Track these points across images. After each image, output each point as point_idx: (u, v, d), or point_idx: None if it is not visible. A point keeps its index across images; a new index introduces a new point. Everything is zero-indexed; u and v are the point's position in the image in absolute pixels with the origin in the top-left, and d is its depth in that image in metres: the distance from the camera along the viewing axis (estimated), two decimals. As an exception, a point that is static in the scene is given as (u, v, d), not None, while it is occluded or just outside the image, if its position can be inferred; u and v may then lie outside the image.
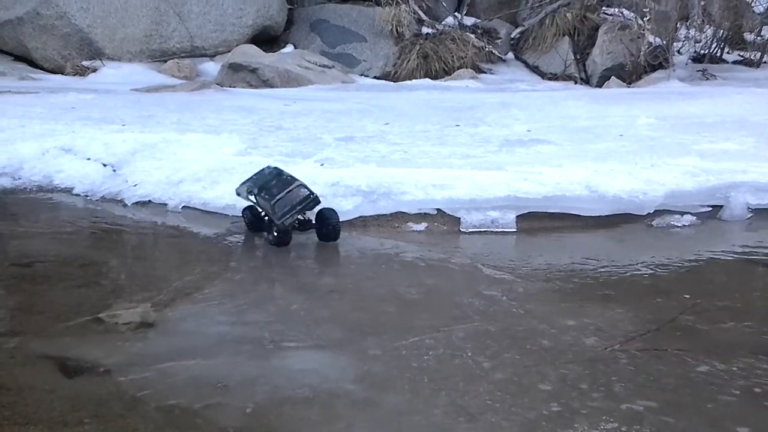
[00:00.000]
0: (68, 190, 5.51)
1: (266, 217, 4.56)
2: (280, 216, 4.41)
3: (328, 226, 4.57)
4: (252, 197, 4.57)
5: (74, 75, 11.15)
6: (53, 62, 11.39)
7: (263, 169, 4.69)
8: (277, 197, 4.43)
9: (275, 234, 4.44)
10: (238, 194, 4.70)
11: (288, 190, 4.47)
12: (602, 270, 4.16)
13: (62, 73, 11.22)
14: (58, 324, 3.40)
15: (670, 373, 2.96)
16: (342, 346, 3.22)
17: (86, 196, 5.41)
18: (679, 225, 4.93)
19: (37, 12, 11.23)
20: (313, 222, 4.58)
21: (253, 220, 4.70)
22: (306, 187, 4.52)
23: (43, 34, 11.30)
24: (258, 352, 3.15)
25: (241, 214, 4.76)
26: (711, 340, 3.29)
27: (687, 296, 3.78)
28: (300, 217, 4.52)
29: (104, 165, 5.74)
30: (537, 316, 3.51)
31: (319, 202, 4.53)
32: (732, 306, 3.72)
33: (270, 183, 4.53)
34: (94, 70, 11.22)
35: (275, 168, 4.67)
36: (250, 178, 4.67)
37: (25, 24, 11.28)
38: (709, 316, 3.53)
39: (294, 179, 4.54)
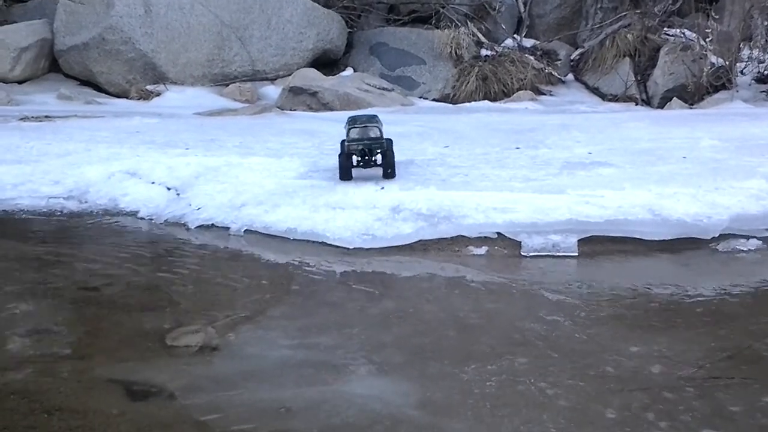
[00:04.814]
0: (133, 214, 5.59)
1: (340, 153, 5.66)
2: (349, 140, 5.53)
3: (386, 168, 5.61)
4: (345, 126, 5.67)
5: (138, 99, 11.34)
6: (118, 86, 11.61)
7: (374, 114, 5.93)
8: (354, 125, 5.56)
9: (345, 157, 5.58)
10: (345, 126, 5.73)
11: (365, 125, 5.57)
12: (667, 295, 4.10)
13: (127, 98, 11.42)
14: (124, 348, 3.46)
15: (738, 402, 2.91)
16: (403, 371, 3.22)
17: (150, 219, 5.48)
18: (745, 249, 4.84)
19: (103, 37, 11.46)
20: (378, 162, 5.59)
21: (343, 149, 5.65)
22: (381, 131, 5.56)
23: (108, 59, 11.52)
24: (320, 376, 3.17)
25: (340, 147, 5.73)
26: (780, 369, 3.23)
27: (754, 323, 3.72)
28: (366, 157, 5.55)
29: (168, 188, 5.82)
30: (600, 343, 3.48)
31: (384, 148, 5.55)
32: (801, 333, 3.65)
33: (361, 117, 5.73)
34: (158, 94, 11.40)
35: (376, 115, 5.82)
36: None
37: (91, 49, 11.52)
38: (778, 344, 3.47)
39: (377, 122, 5.61)
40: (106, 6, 11.53)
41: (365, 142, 5.53)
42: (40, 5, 12.77)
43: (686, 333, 3.59)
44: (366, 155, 5.56)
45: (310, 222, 5.04)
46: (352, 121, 5.63)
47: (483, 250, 4.84)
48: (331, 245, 4.85)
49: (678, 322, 3.73)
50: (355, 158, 5.57)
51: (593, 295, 4.13)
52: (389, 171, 5.62)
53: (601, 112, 10.42)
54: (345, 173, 5.62)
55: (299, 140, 7.47)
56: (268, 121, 9.15)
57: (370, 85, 11.25)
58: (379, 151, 5.56)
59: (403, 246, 4.80)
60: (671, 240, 4.84)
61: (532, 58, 12.05)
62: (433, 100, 11.80)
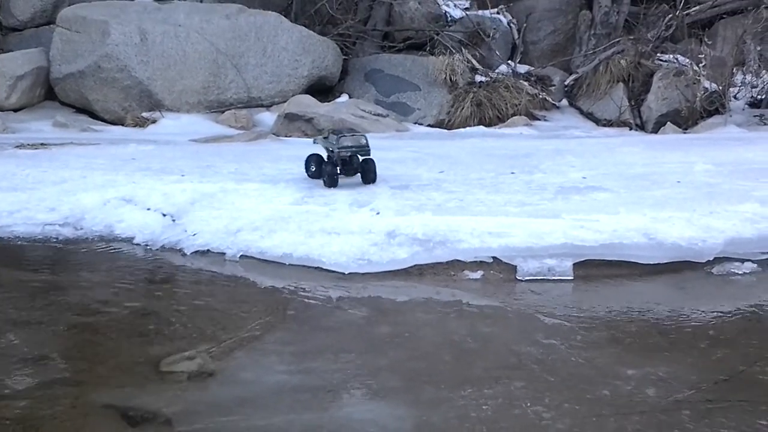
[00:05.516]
0: (129, 240, 5.59)
1: (325, 162, 6.30)
2: (340, 147, 6.12)
3: (369, 172, 6.27)
4: (321, 139, 6.39)
5: (134, 126, 11.33)
6: (114, 114, 11.62)
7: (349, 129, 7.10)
8: (344, 135, 6.23)
9: (332, 166, 6.20)
10: (314, 141, 6.61)
11: (353, 134, 6.31)
12: (662, 318, 4.11)
13: (122, 125, 11.41)
14: (119, 374, 3.45)
15: (734, 425, 2.91)
16: (400, 396, 3.22)
17: (146, 245, 5.48)
18: (740, 273, 4.85)
19: (99, 65, 11.49)
20: (358, 171, 6.28)
21: (316, 161, 6.39)
22: (366, 139, 6.22)
23: (104, 86, 11.54)
24: (317, 401, 3.16)
25: (305, 163, 6.49)
26: (776, 391, 3.23)
27: (750, 346, 3.72)
28: (347, 165, 6.24)
29: (164, 215, 5.82)
30: (596, 366, 3.48)
31: (369, 153, 6.22)
32: (797, 355, 3.65)
33: (341, 131, 6.42)
34: (154, 122, 11.40)
35: (353, 129, 6.90)
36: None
37: (87, 77, 11.55)
38: (773, 366, 3.47)
39: (359, 132, 6.41)
40: (101, 34, 11.56)
41: (353, 148, 6.20)
42: (36, 34, 12.81)
43: (682, 356, 3.59)
44: (347, 163, 6.26)
45: (306, 247, 5.04)
46: (338, 132, 6.33)
47: (478, 274, 4.85)
48: (326, 270, 4.86)
49: (674, 345, 3.74)
50: (338, 168, 6.23)
51: (589, 318, 4.13)
52: (371, 176, 6.27)
53: (596, 137, 10.46)
54: (332, 181, 6.19)
55: (294, 166, 7.46)
56: (263, 148, 9.17)
57: (365, 111, 11.27)
58: (365, 157, 6.24)
59: (398, 271, 4.80)
60: (666, 263, 4.86)
61: (526, 83, 12.09)
62: (428, 125, 11.82)
